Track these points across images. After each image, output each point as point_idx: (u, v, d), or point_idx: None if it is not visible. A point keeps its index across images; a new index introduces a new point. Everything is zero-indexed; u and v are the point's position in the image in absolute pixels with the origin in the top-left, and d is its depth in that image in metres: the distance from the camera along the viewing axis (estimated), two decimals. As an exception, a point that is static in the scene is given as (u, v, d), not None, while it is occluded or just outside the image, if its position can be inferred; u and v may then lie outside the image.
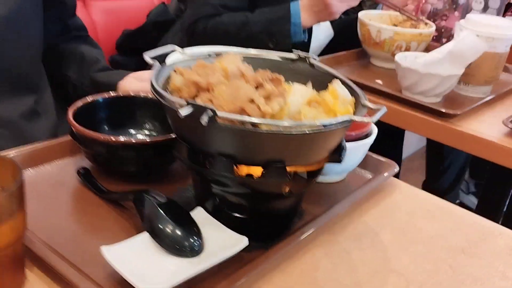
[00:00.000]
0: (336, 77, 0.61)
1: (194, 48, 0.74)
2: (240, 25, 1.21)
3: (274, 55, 0.67)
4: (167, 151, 0.64)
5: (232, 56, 0.61)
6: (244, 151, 0.50)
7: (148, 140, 0.64)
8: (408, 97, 1.08)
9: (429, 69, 1.03)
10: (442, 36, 1.46)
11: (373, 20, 1.26)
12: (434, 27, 1.27)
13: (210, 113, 0.46)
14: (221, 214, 0.57)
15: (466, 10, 1.42)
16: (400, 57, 1.10)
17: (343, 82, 0.60)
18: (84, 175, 0.65)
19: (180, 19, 1.54)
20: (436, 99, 1.09)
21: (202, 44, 0.88)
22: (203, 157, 0.52)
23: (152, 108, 0.74)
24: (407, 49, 1.21)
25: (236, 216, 0.58)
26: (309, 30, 1.33)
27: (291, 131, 0.48)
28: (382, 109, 0.53)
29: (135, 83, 0.87)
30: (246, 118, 0.48)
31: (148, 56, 0.59)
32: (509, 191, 1.66)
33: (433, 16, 1.44)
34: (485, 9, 1.40)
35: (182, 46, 0.64)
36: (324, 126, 0.49)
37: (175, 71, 0.58)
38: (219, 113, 0.47)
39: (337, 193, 0.70)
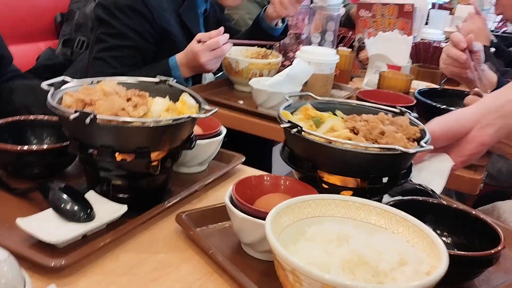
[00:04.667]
0: (186, 92, 0.86)
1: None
2: None
3: (143, 80, 0.90)
4: (62, 156, 0.84)
5: (110, 81, 0.84)
6: (118, 142, 0.73)
7: (45, 147, 0.84)
8: (261, 112, 1.37)
9: (274, 89, 1.33)
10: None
11: (233, 55, 1.56)
12: (281, 57, 1.59)
13: (92, 116, 0.69)
14: (108, 196, 0.79)
15: (308, 43, 1.77)
16: (253, 81, 1.39)
17: (191, 95, 0.85)
18: (-5, 179, 0.83)
19: (72, 62, 1.74)
20: (283, 112, 1.39)
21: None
22: (91, 149, 0.74)
23: (49, 127, 0.94)
24: (261, 75, 1.52)
25: (120, 197, 0.80)
26: None
27: (148, 125, 0.72)
28: (214, 109, 0.79)
29: None
30: (114, 118, 0.71)
31: (45, 84, 0.79)
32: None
33: (284, 49, 1.77)
34: (321, 42, 1.77)
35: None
36: (173, 120, 0.74)
37: (66, 94, 0.79)
38: (98, 116, 0.70)
39: (199, 178, 0.94)
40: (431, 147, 0.71)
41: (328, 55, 1.43)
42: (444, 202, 0.78)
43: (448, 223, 0.76)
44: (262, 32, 1.74)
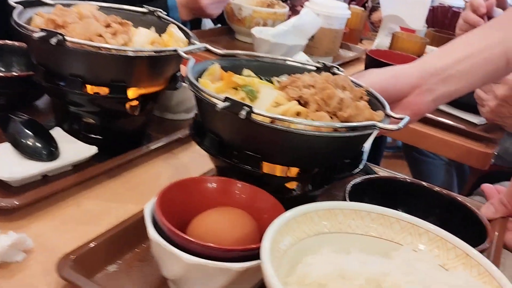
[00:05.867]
0: (176, 24, 0.76)
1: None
2: None
3: (128, 8, 0.79)
4: (31, 87, 0.74)
5: (89, 5, 0.73)
6: (89, 71, 0.63)
7: (10, 74, 0.74)
8: (262, 65, 1.26)
9: (277, 39, 1.22)
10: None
11: (236, 0, 1.43)
12: (287, 8, 1.47)
13: (60, 36, 0.59)
14: (79, 136, 0.69)
15: (319, -3, 1.65)
16: (256, 30, 1.28)
17: (181, 29, 0.75)
18: (-48, 106, 0.73)
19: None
20: (285, 66, 1.28)
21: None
22: (58, 78, 0.64)
23: (20, 55, 0.84)
24: (265, 25, 1.40)
25: (92, 137, 0.70)
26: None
27: (126, 54, 0.61)
28: (203, 45, 0.68)
29: None
30: (87, 42, 0.61)
31: (13, 0, 0.69)
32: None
33: (292, 2, 1.65)
34: (334, -3, 1.64)
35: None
36: (156, 52, 0.63)
37: (37, 14, 0.69)
38: (67, 37, 0.59)
39: (184, 126, 0.84)
40: (408, 118, 0.55)
41: (339, 8, 1.31)
42: (425, 184, 0.68)
43: (426, 209, 0.65)
44: None
